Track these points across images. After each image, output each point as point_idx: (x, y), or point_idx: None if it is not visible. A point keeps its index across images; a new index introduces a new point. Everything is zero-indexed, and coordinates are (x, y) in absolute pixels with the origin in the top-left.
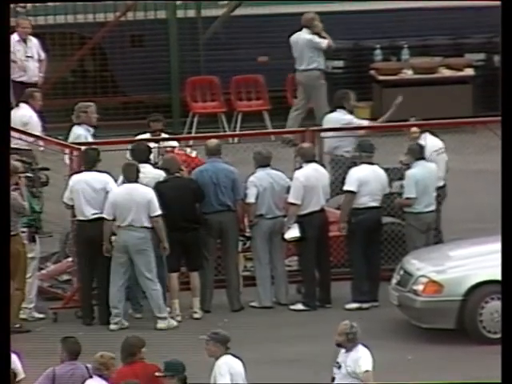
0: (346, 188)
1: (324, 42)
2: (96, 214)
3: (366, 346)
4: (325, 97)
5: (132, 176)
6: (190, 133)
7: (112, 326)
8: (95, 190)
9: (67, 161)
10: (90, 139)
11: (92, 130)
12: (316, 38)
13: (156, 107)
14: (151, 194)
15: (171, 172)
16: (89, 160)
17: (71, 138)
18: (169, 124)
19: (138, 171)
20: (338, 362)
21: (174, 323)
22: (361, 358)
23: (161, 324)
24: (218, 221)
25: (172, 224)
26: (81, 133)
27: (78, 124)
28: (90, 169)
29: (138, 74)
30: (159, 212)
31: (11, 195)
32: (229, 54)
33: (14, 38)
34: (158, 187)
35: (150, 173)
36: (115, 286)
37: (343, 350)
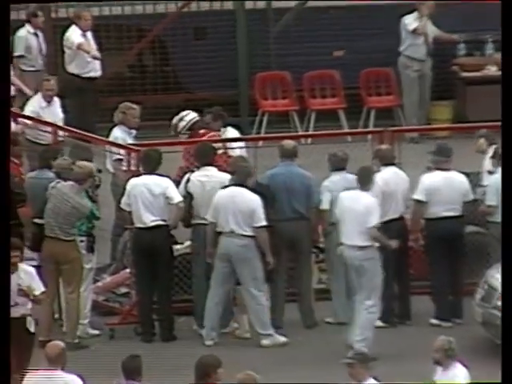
0: (414, 197)
1: (412, 25)
2: (156, 220)
3: (463, 362)
4: (413, 90)
5: (241, 179)
6: (259, 133)
7: (208, 342)
8: (154, 195)
9: (109, 164)
10: (130, 141)
11: (133, 132)
12: (410, 19)
13: (222, 105)
14: (257, 202)
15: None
16: (149, 162)
17: (110, 139)
18: (236, 123)
19: (248, 174)
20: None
21: (281, 339)
22: (458, 376)
23: (265, 341)
24: (290, 229)
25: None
26: (118, 135)
27: (118, 125)
28: (150, 172)
29: (202, 69)
30: (264, 222)
31: (73, 197)
32: (301, 48)
33: (76, 31)
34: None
35: (214, 177)
36: (214, 297)
37: (440, 368)
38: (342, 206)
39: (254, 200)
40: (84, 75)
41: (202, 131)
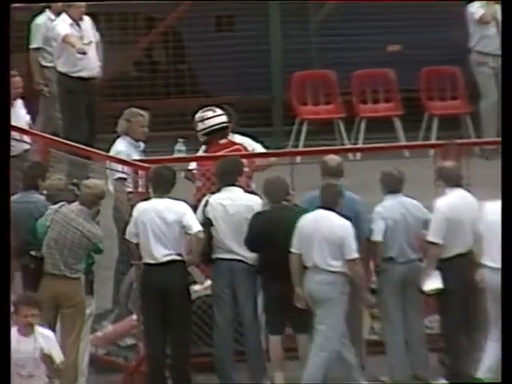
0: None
1: (478, 12)
2: (169, 255)
3: None
4: (490, 90)
5: (330, 200)
6: (296, 146)
7: None
8: (167, 224)
9: (110, 185)
10: (136, 157)
11: (141, 144)
12: (475, 7)
13: (250, 111)
14: (348, 229)
15: (275, 199)
16: (161, 183)
17: (112, 154)
18: (268, 133)
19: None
20: None
21: None
22: None
23: None
24: None
25: (271, 271)
26: (121, 149)
27: (121, 136)
28: (161, 195)
29: (226, 67)
30: (356, 254)
31: (83, 224)
32: (348, 42)
33: (65, 20)
34: (256, 220)
35: (239, 199)
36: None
37: None
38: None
39: (343, 226)
40: (73, 74)
41: (223, 141)
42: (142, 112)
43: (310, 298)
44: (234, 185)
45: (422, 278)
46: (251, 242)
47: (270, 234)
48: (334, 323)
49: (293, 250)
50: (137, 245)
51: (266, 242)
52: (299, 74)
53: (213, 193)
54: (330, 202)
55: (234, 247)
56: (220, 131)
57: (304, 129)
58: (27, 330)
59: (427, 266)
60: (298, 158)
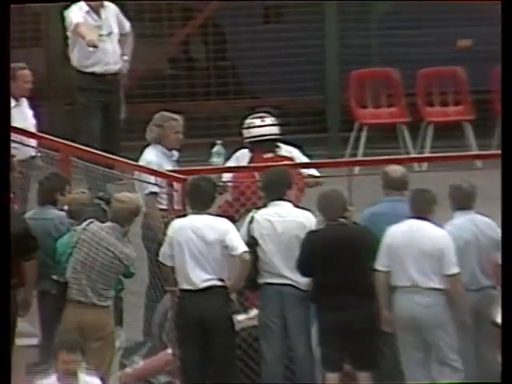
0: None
1: None
2: (209, 280)
3: None
4: None
5: (422, 208)
6: (354, 155)
7: None
8: (208, 244)
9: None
10: (169, 167)
11: (175, 154)
12: None
13: (301, 115)
14: (447, 240)
15: (331, 215)
16: (200, 197)
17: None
18: (322, 141)
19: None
20: None
21: None
22: None
23: None
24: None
25: (328, 297)
26: (152, 159)
27: (152, 144)
28: (200, 210)
29: (275, 64)
30: (457, 269)
31: (115, 244)
32: (413, 36)
33: (82, 7)
34: (309, 240)
35: (289, 214)
36: None
37: None
38: None
39: (442, 237)
40: (84, 69)
41: (267, 155)
42: (175, 116)
43: (409, 322)
44: (282, 199)
45: (495, 308)
46: (304, 265)
47: (327, 256)
48: (455, 350)
49: (379, 267)
50: (172, 268)
51: (322, 265)
52: (358, 73)
53: (258, 208)
54: (423, 210)
55: (284, 270)
56: (265, 144)
57: (363, 135)
58: (68, 378)
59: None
60: (357, 169)
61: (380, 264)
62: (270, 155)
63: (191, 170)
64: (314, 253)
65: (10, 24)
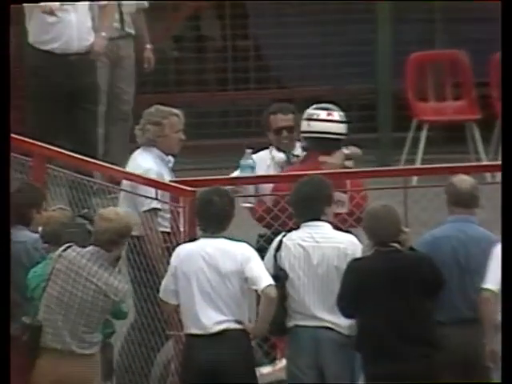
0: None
1: None
2: (224, 322)
3: None
4: None
5: None
6: (411, 161)
7: None
8: (222, 276)
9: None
10: (168, 177)
11: (171, 159)
12: None
13: (343, 110)
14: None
15: (382, 239)
16: (212, 215)
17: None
18: (371, 142)
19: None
20: None
21: None
22: None
23: None
24: (463, 341)
25: (379, 344)
26: (148, 166)
27: (143, 147)
28: (213, 233)
29: (307, 46)
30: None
31: (100, 274)
32: (486, 11)
33: None
34: (353, 270)
35: (328, 239)
36: None
37: None
38: None
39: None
40: (40, 46)
41: (323, 158)
42: (175, 111)
43: None
44: (319, 219)
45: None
46: (346, 303)
47: (375, 291)
48: None
49: (491, 287)
50: (176, 307)
51: (369, 303)
52: (416, 57)
53: (289, 231)
54: None
55: (320, 311)
56: (328, 143)
57: (423, 136)
58: None
59: None
60: (415, 180)
61: (493, 282)
62: (325, 158)
63: (202, 181)
64: (359, 287)
65: (9, 24)
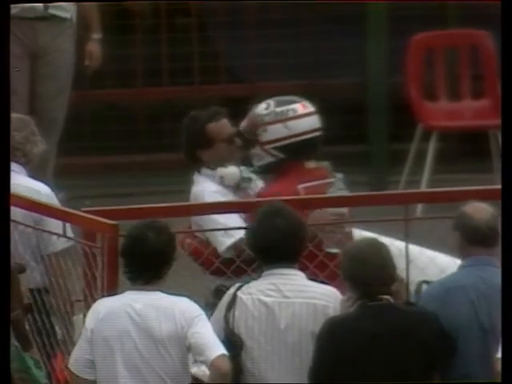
0: None
1: None
2: None
3: None
4: None
5: None
6: (414, 183)
7: None
8: (157, 341)
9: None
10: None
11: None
12: None
13: (325, 113)
14: None
15: (369, 290)
16: (143, 261)
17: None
18: (360, 156)
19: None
20: None
21: None
22: None
23: None
24: None
25: None
26: (44, 191)
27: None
28: (145, 285)
29: (281, 33)
30: None
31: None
32: None
33: None
34: (331, 334)
35: (299, 292)
36: None
37: None
38: None
39: None
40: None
41: (310, 165)
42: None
43: None
44: (288, 266)
45: None
46: (322, 379)
47: (363, 362)
48: None
49: None
50: (92, 383)
51: (354, 379)
52: (422, 39)
53: (245, 281)
54: None
55: None
56: (314, 144)
57: (431, 147)
58: None
59: None
60: (419, 208)
61: None
62: (313, 165)
63: (127, 211)
64: (339, 357)
65: (9, 24)
